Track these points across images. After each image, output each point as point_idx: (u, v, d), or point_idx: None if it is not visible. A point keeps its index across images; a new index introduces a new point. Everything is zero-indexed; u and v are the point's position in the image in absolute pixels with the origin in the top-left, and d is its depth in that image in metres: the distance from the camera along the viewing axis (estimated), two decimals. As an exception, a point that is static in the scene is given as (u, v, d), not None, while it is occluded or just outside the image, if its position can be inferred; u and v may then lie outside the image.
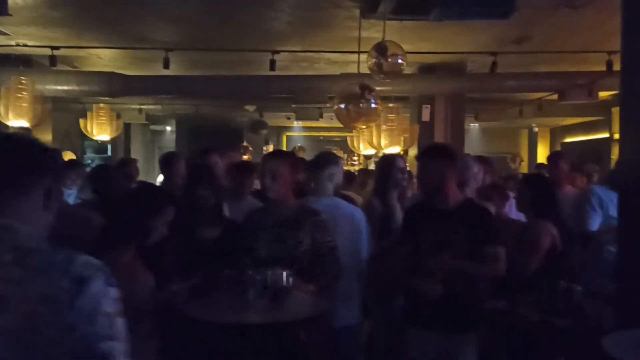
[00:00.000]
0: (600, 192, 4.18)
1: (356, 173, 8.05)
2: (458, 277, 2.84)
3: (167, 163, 4.32)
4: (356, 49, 5.16)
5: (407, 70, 7.84)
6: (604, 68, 6.33)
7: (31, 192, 1.37)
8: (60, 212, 3.27)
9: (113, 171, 4.50)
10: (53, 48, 6.14)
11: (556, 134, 14.18)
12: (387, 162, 4.12)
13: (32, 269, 1.23)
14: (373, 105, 4.62)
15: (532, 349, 2.82)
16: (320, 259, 2.94)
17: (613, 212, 3.50)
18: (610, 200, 3.84)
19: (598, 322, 2.70)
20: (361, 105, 4.60)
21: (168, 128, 14.65)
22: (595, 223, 4.15)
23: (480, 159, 4.64)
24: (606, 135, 10.70)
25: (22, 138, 1.47)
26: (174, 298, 2.62)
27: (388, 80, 4.83)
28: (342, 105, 4.67)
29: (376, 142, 7.05)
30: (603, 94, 7.83)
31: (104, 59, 7.72)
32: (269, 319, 2.55)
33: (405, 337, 3.11)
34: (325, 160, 3.56)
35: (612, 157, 9.35)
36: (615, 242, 2.98)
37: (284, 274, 2.63)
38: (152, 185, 3.26)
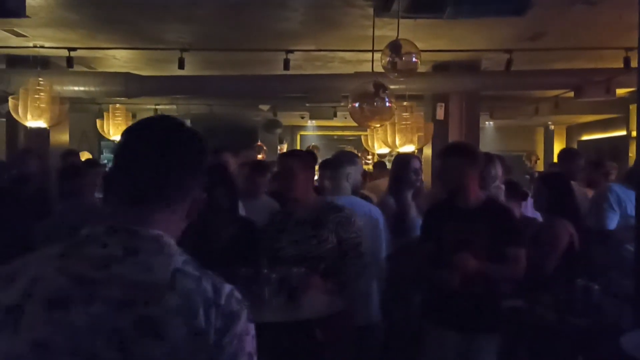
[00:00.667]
0: (619, 190, 4.13)
1: (371, 168, 8.07)
2: (478, 277, 2.83)
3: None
4: (370, 48, 5.15)
5: (422, 69, 7.81)
6: (621, 65, 6.25)
7: (189, 195, 1.18)
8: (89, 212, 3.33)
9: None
10: (70, 49, 6.22)
11: (573, 131, 14.04)
12: (403, 162, 4.12)
13: (185, 296, 1.05)
14: (387, 104, 4.61)
15: (550, 349, 2.80)
16: (346, 255, 2.94)
17: (631, 210, 3.46)
18: (629, 198, 3.80)
19: (617, 322, 2.67)
20: (375, 104, 4.59)
21: (183, 128, 14.72)
22: (613, 222, 4.10)
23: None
24: (624, 132, 10.57)
25: (185, 127, 1.21)
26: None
27: (402, 79, 4.81)
28: (357, 104, 4.67)
29: (390, 141, 7.03)
30: (621, 91, 7.72)
31: (120, 59, 7.80)
32: (284, 318, 2.56)
33: (423, 336, 3.10)
34: (342, 159, 3.58)
35: (630, 154, 9.23)
36: (633, 240, 2.95)
37: (300, 272, 2.64)
38: None
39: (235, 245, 3.03)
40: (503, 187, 3.76)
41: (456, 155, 2.99)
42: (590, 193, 4.66)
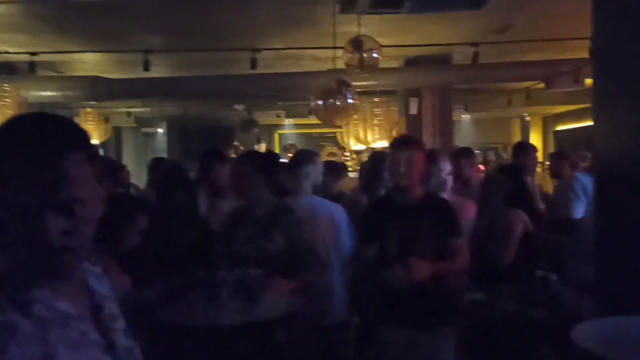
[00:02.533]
0: (584, 179, 4.15)
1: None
2: (428, 276, 2.81)
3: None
4: (340, 45, 5.12)
5: (393, 64, 7.87)
6: (587, 55, 6.29)
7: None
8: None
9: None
10: (32, 54, 6.11)
11: (548, 122, 14.17)
12: (377, 159, 4.10)
13: None
14: (350, 101, 4.59)
15: (510, 341, 2.81)
16: (297, 256, 2.93)
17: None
18: (593, 186, 3.81)
19: (577, 312, 2.67)
20: (338, 101, 4.57)
21: (160, 130, 14.62)
22: (579, 211, 4.12)
23: (463, 152, 4.62)
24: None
25: None
26: (146, 302, 2.61)
27: (366, 75, 4.79)
28: (320, 102, 4.64)
29: (363, 137, 7.03)
30: (590, 81, 7.79)
31: (88, 63, 7.70)
32: (243, 320, 2.53)
33: (379, 335, 3.07)
34: (300, 158, 3.54)
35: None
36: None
37: (257, 273, 2.62)
38: (124, 195, 3.25)
39: (194, 249, 3.00)
40: (450, 179, 3.76)
41: (407, 148, 2.95)
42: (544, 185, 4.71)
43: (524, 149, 4.96)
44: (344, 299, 3.50)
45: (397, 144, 3.02)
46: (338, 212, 3.45)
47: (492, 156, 11.04)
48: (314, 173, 3.44)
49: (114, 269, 2.69)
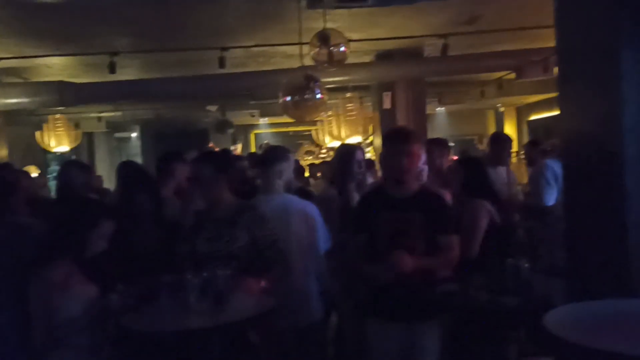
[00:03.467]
0: (555, 165, 4.18)
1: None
2: (415, 271, 2.79)
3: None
4: (309, 41, 5.07)
5: (365, 58, 7.84)
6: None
7: None
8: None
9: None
10: (-6, 60, 5.96)
11: (522, 112, 14.28)
12: (346, 153, 4.05)
13: None
14: (318, 96, 4.54)
15: (484, 330, 2.80)
16: (262, 254, 2.89)
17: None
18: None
19: (548, 298, 2.67)
20: (306, 96, 4.52)
21: (133, 135, 14.42)
22: (551, 197, 4.15)
23: (434, 142, 4.61)
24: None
25: None
26: (113, 309, 2.54)
27: (339, 70, 4.75)
28: (288, 98, 4.59)
29: (337, 133, 6.99)
30: (560, 69, 7.86)
31: (53, 68, 7.53)
32: (213, 323, 2.48)
33: (367, 329, 3.06)
34: (272, 156, 3.48)
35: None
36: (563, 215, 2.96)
37: (224, 274, 2.56)
38: (89, 199, 3.16)
39: (159, 252, 2.93)
40: (426, 169, 3.75)
41: (402, 140, 2.92)
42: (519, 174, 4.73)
43: (497, 139, 4.98)
44: (319, 297, 3.46)
45: (395, 137, 2.99)
46: (312, 209, 3.40)
47: (470, 150, 11.08)
48: (287, 171, 3.39)
49: (79, 277, 2.63)
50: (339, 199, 3.85)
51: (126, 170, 3.42)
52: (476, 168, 3.42)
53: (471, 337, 2.92)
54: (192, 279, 2.55)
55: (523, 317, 2.69)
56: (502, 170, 4.48)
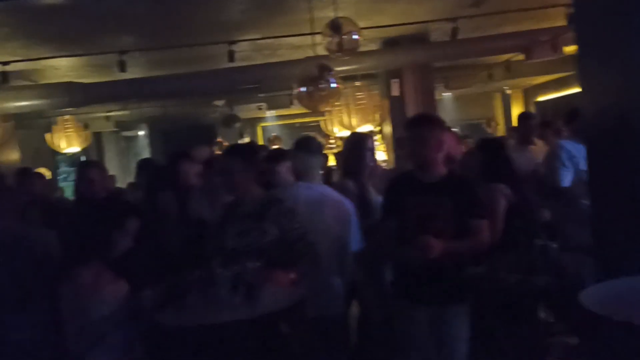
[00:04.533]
0: (569, 146, 4.14)
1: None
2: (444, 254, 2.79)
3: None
4: (317, 30, 5.04)
5: (371, 46, 7.80)
6: (565, 22, 6.28)
7: None
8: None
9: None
10: (3, 64, 5.96)
11: (529, 94, 14.19)
12: (359, 142, 4.05)
13: None
14: (333, 85, 4.53)
15: (515, 311, 2.80)
16: (292, 247, 2.89)
17: (583, 165, 3.47)
18: (580, 154, 3.81)
19: (577, 276, 2.66)
20: (321, 86, 4.51)
21: (141, 133, 14.44)
22: (566, 178, 4.11)
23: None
24: (578, 89, 10.68)
25: None
26: (145, 306, 2.56)
27: (348, 58, 4.73)
28: (303, 89, 4.58)
29: (347, 122, 6.97)
30: (569, 49, 7.79)
31: (61, 69, 7.53)
32: (244, 316, 2.48)
33: (396, 313, 3.06)
34: (316, 146, 3.54)
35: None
36: (587, 194, 2.95)
37: (254, 267, 2.56)
38: (113, 199, 3.18)
39: (187, 249, 2.94)
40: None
41: (426, 125, 2.92)
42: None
43: (525, 119, 5.02)
44: (342, 288, 3.46)
45: (409, 123, 3.01)
46: (348, 205, 3.41)
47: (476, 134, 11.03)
48: (324, 163, 3.43)
49: (108, 276, 2.64)
50: (356, 189, 3.84)
51: (148, 168, 3.44)
52: (495, 152, 3.40)
53: (500, 319, 2.92)
54: (222, 273, 2.56)
55: (554, 296, 2.68)
56: (529, 150, 4.48)
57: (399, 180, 3.13)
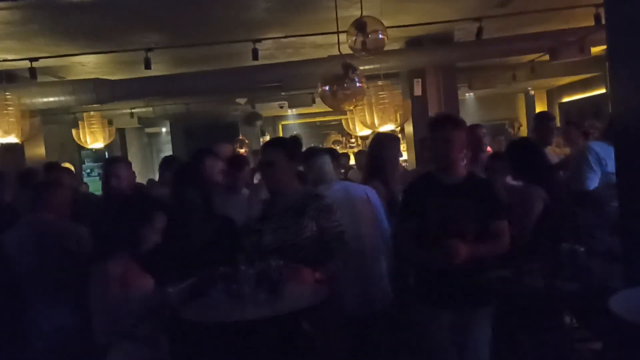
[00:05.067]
0: (598, 148, 4.07)
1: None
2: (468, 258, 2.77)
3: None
4: (342, 29, 5.02)
5: (394, 46, 7.77)
6: (592, 22, 6.19)
7: None
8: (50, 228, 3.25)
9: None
10: (32, 60, 6.05)
11: (553, 95, 14.02)
12: (389, 142, 4.04)
13: None
14: (358, 85, 4.51)
15: (540, 316, 2.76)
16: (327, 245, 2.87)
17: (612, 167, 3.40)
18: (608, 156, 3.74)
19: (605, 282, 2.62)
20: (345, 85, 4.50)
21: (163, 129, 14.58)
22: (593, 182, 4.04)
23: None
24: (603, 91, 10.55)
25: None
26: (169, 301, 2.58)
27: (371, 57, 4.71)
28: (327, 88, 4.57)
29: (370, 121, 6.95)
30: (596, 49, 7.68)
31: (88, 66, 7.64)
32: (268, 313, 2.49)
33: (418, 317, 3.05)
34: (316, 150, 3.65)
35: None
36: (616, 198, 2.89)
37: (278, 264, 2.57)
38: (141, 194, 3.21)
39: (213, 245, 2.96)
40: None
41: (449, 126, 2.90)
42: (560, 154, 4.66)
43: (542, 119, 4.92)
44: (385, 284, 3.46)
45: (432, 124, 2.99)
46: (371, 193, 3.42)
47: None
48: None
49: (136, 271, 2.67)
50: (384, 190, 3.82)
51: (173, 165, 3.47)
52: (530, 151, 3.36)
53: (525, 323, 2.89)
54: (246, 270, 2.57)
55: (580, 302, 2.65)
56: (547, 151, 4.42)
57: (420, 182, 3.10)
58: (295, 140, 3.13)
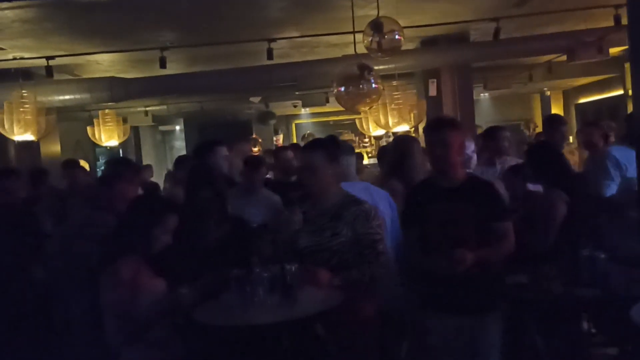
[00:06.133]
0: (617, 154, 4.00)
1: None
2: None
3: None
4: (358, 29, 4.99)
5: (409, 46, 7.71)
6: (612, 23, 6.09)
7: None
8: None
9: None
10: (48, 58, 6.09)
11: (569, 96, 13.87)
12: (400, 143, 4.01)
13: None
14: (373, 85, 4.48)
15: (558, 323, 2.71)
16: (361, 251, 2.81)
17: (632, 172, 3.35)
18: (628, 160, 3.68)
19: (625, 289, 2.57)
20: (361, 86, 4.46)
21: (177, 127, 14.63)
22: (610, 190, 3.96)
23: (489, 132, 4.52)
24: (621, 92, 10.41)
25: None
26: (182, 303, 2.56)
27: (387, 58, 4.67)
28: (342, 89, 4.54)
29: (384, 121, 6.90)
30: (614, 50, 7.57)
31: (103, 64, 7.68)
32: (281, 317, 2.47)
33: (424, 321, 3.00)
34: (348, 146, 3.57)
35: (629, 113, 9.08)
36: (637, 202, 2.84)
37: (293, 268, 2.55)
38: (152, 195, 3.19)
39: (226, 247, 2.93)
40: (475, 157, 3.67)
41: (447, 129, 2.84)
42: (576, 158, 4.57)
43: (552, 122, 4.77)
44: (398, 289, 3.42)
45: (430, 126, 2.93)
46: (389, 198, 3.39)
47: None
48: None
49: (147, 272, 2.66)
50: (403, 190, 3.79)
51: (187, 165, 3.46)
52: (550, 155, 3.30)
53: (542, 329, 2.84)
54: (260, 273, 2.55)
55: (598, 308, 2.60)
56: None
57: (419, 187, 3.04)
58: (334, 141, 3.06)
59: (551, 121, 4.86)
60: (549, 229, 3.01)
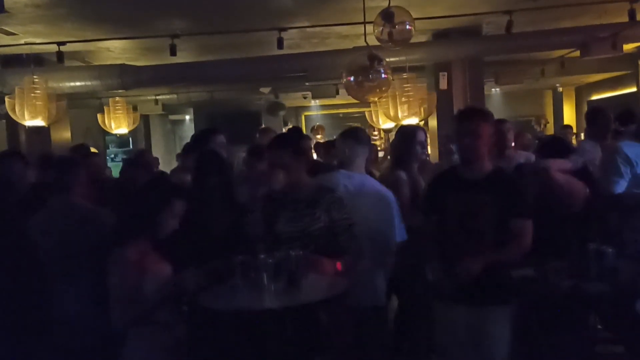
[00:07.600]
0: (627, 149, 3.94)
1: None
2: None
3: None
4: (368, 20, 4.96)
5: (421, 38, 7.67)
6: (626, 18, 6.01)
7: None
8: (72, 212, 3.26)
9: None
10: (59, 44, 6.10)
11: (582, 92, 13.74)
12: (409, 134, 4.00)
13: None
14: (383, 76, 4.46)
15: (565, 317, 2.70)
16: (337, 237, 2.86)
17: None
18: (639, 156, 3.63)
19: (633, 285, 2.54)
20: (371, 76, 4.44)
21: (187, 117, 14.65)
22: (620, 186, 3.91)
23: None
24: (634, 89, 10.31)
25: None
26: (187, 288, 2.57)
27: (398, 49, 4.65)
28: (352, 79, 4.53)
29: (394, 114, 6.87)
30: (628, 46, 7.49)
31: (114, 51, 7.69)
32: (285, 303, 2.48)
33: (435, 311, 3.00)
34: (363, 137, 3.55)
35: (642, 111, 8.98)
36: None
37: (298, 255, 2.55)
38: (160, 179, 3.20)
39: (232, 233, 2.94)
40: None
41: (472, 119, 2.83)
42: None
43: (597, 115, 4.67)
44: (384, 281, 3.42)
45: (460, 115, 2.93)
46: (390, 197, 3.37)
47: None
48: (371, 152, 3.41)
49: (153, 256, 2.67)
50: (409, 180, 3.79)
51: (196, 151, 3.46)
52: (561, 150, 3.28)
53: (548, 324, 2.82)
54: (265, 259, 2.55)
55: (605, 303, 2.58)
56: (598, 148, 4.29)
57: (443, 176, 3.05)
58: (299, 133, 3.10)
59: (597, 114, 4.76)
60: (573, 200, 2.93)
